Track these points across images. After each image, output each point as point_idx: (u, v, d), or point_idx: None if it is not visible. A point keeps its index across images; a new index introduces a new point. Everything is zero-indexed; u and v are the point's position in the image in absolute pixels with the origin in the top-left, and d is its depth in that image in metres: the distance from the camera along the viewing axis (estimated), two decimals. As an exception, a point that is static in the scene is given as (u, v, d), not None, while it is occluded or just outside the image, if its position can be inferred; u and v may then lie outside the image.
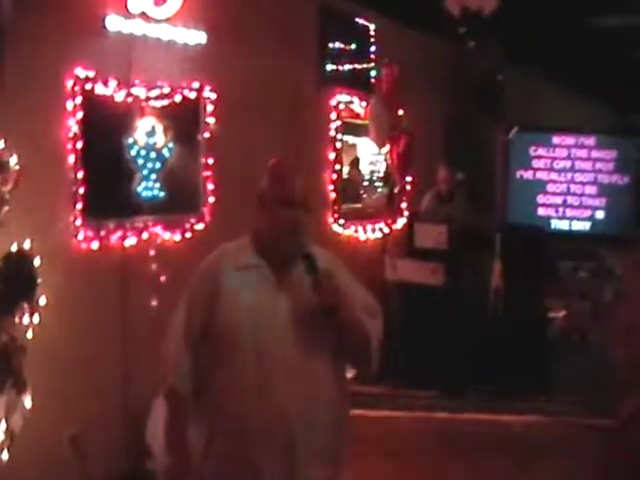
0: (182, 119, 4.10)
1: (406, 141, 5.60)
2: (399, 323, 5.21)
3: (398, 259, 5.41)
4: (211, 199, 4.29)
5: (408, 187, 5.98)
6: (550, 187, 7.15)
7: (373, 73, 5.81)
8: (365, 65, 5.74)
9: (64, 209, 3.50)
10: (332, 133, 5.56)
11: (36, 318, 3.14)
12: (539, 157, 7.13)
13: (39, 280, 3.14)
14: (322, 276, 1.92)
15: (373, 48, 5.81)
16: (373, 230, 5.97)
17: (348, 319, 1.94)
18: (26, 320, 3.11)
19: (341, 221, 5.65)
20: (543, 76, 7.13)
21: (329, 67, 5.43)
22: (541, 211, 7.17)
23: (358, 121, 5.78)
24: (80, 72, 3.54)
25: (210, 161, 4.28)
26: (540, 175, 7.14)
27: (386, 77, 5.44)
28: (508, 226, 6.31)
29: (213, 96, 4.26)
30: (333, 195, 5.57)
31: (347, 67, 5.56)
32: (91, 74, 3.58)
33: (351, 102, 5.69)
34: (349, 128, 5.70)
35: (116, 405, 3.71)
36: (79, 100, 3.54)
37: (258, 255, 2.00)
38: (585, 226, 7.17)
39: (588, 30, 6.14)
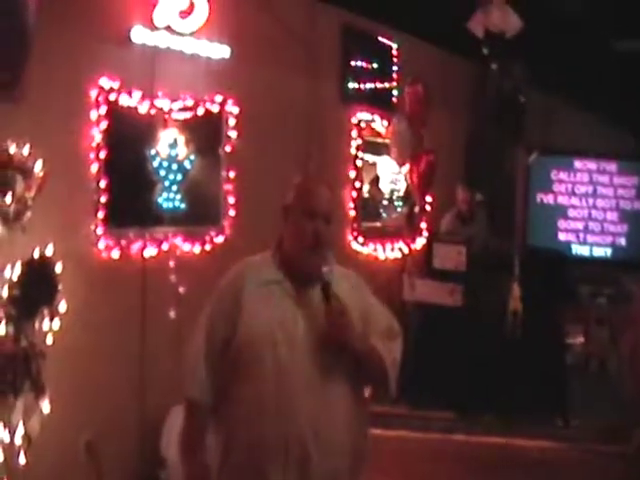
0: (204, 132, 4.14)
1: (428, 160, 5.59)
2: (417, 343, 5.13)
3: (417, 279, 5.42)
4: (231, 212, 4.32)
5: (428, 207, 5.97)
6: (571, 212, 7.11)
7: (395, 92, 5.84)
8: (387, 84, 5.76)
9: (86, 217, 3.54)
10: (353, 151, 5.58)
11: (56, 324, 3.17)
12: (560, 181, 7.09)
13: (60, 286, 3.17)
14: (335, 312, 1.93)
15: (395, 67, 5.84)
16: (392, 249, 5.97)
17: (362, 351, 1.96)
18: (46, 326, 3.14)
19: (360, 239, 5.64)
20: (565, 99, 7.12)
21: (351, 85, 5.46)
22: (562, 236, 7.11)
23: (379, 140, 5.79)
24: (105, 83, 3.60)
25: (231, 174, 4.32)
26: (561, 200, 7.10)
27: (409, 96, 5.45)
28: (528, 249, 6.30)
29: (235, 110, 4.30)
30: (353, 213, 5.57)
31: (369, 85, 5.59)
32: (115, 85, 3.64)
33: (372, 120, 5.71)
34: (370, 146, 5.72)
35: (132, 414, 3.71)
36: (103, 110, 3.60)
37: (280, 270, 2.01)
38: (606, 252, 7.10)
39: (612, 54, 6.14)
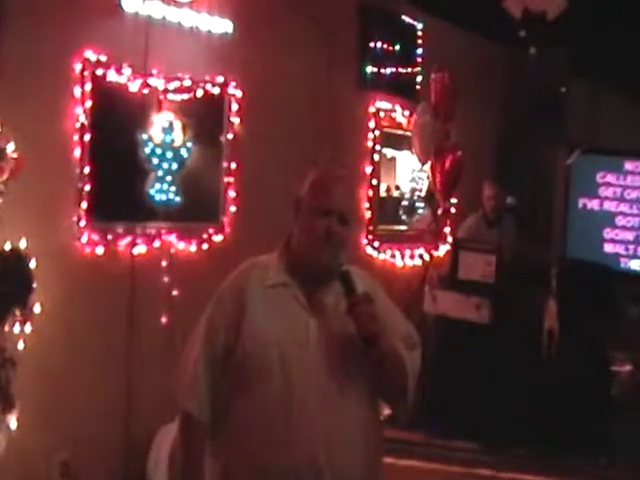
0: (203, 117, 4.14)
1: (453, 157, 5.52)
2: (438, 363, 5.10)
3: (439, 290, 5.34)
4: (232, 208, 4.31)
5: (453, 210, 5.92)
6: (620, 220, 6.96)
7: (419, 79, 5.80)
8: (410, 69, 5.73)
9: (67, 207, 3.52)
10: (369, 144, 5.56)
11: (28, 327, 3.14)
12: (607, 185, 6.94)
13: (34, 285, 3.15)
14: (361, 299, 1.91)
15: (420, 50, 5.81)
16: (412, 256, 5.94)
17: (387, 350, 1.92)
18: (17, 329, 3.12)
19: (376, 244, 5.62)
20: (613, 91, 7.03)
21: (369, 69, 5.44)
22: (608, 247, 6.96)
23: (399, 132, 5.77)
24: (90, 55, 3.58)
25: (233, 165, 4.31)
26: (608, 206, 6.96)
27: (435, 84, 5.40)
28: (567, 261, 6.19)
29: (239, 93, 4.30)
30: (368, 214, 5.55)
31: (389, 71, 5.56)
32: (103, 58, 3.62)
33: (393, 110, 5.69)
34: (389, 139, 5.70)
35: (115, 430, 3.69)
36: (88, 87, 3.58)
37: (288, 272, 2.00)
38: (660, 267, 6.98)
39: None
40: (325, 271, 1.97)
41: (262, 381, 1.90)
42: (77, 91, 3.54)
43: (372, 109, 5.55)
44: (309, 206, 1.98)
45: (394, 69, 5.59)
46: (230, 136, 4.29)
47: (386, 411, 2.11)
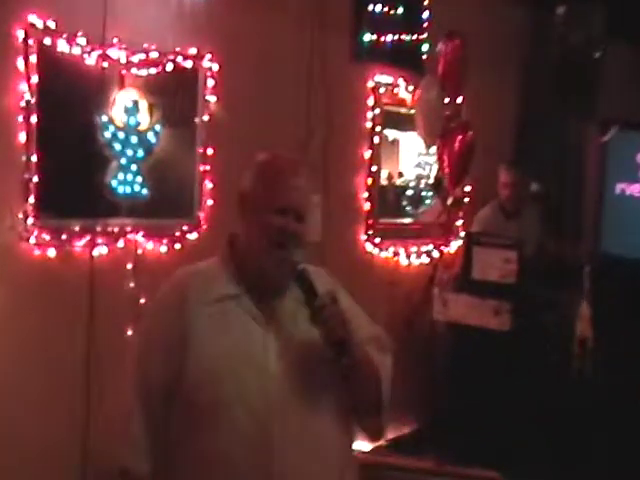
0: (174, 95, 4.12)
1: (465, 138, 5.49)
2: (449, 377, 5.14)
3: (450, 293, 5.34)
4: (209, 202, 4.28)
5: (465, 199, 5.88)
6: (666, 209, 6.88)
7: (425, 47, 5.73)
8: (414, 37, 5.65)
9: (11, 203, 3.47)
10: (368, 124, 5.49)
11: None
12: (650, 167, 6.85)
13: None
14: (325, 302, 1.90)
15: (425, 14, 5.72)
16: (418, 253, 5.88)
17: (359, 357, 1.94)
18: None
19: (377, 239, 5.56)
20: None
21: (367, 37, 5.36)
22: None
23: (403, 110, 5.72)
24: (36, 21, 3.53)
25: (209, 152, 4.29)
26: (651, 191, 6.88)
27: (444, 53, 5.36)
28: (603, 257, 6.16)
29: (215, 67, 4.26)
30: (367, 206, 5.49)
31: (391, 38, 5.48)
32: (51, 25, 3.57)
33: (395, 85, 5.63)
34: (390, 119, 5.64)
35: (72, 465, 3.65)
36: (34, 59, 3.53)
37: (236, 281, 1.98)
38: None
39: None
40: (280, 277, 1.97)
41: (216, 414, 1.87)
42: (20, 64, 3.47)
43: (371, 84, 5.49)
44: (259, 203, 1.96)
45: (396, 37, 5.51)
46: (205, 117, 4.25)
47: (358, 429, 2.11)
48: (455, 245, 5.92)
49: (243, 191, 2.01)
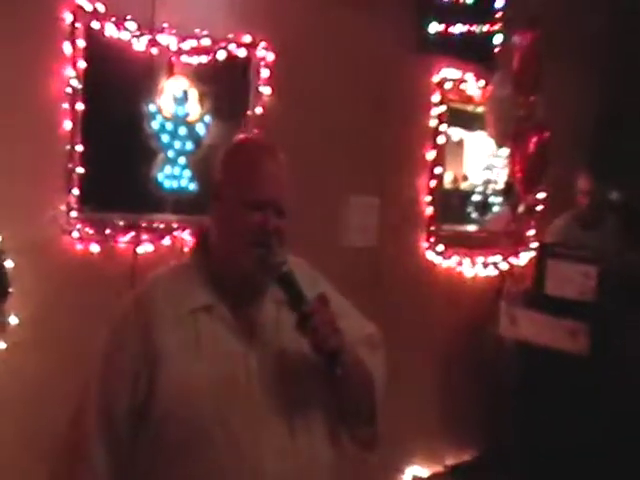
0: (225, 85, 4.17)
1: (540, 140, 5.45)
2: (518, 403, 5.08)
3: (520, 309, 5.28)
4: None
5: (539, 207, 5.82)
6: None
7: (498, 39, 5.69)
8: (486, 27, 5.63)
9: (54, 194, 3.54)
10: (432, 123, 5.50)
11: (2, 343, 3.19)
12: None
13: (10, 289, 3.18)
14: (315, 308, 1.79)
15: (499, 2, 5.69)
16: (484, 264, 5.87)
17: (352, 364, 1.85)
18: (-13, 345, 3.17)
19: (439, 247, 5.56)
20: None
21: (433, 27, 5.36)
22: None
23: (470, 107, 5.73)
24: (84, 3, 3.60)
25: None
26: None
27: (519, 45, 5.32)
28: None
29: (270, 56, 4.31)
30: (429, 211, 5.50)
31: (459, 28, 5.48)
32: (100, 7, 3.65)
33: (462, 80, 5.64)
34: (457, 117, 5.65)
35: None
36: (82, 44, 3.61)
37: (209, 288, 1.88)
38: None
39: None
40: (261, 280, 1.88)
41: (194, 451, 1.77)
42: (67, 48, 3.55)
43: (436, 78, 5.50)
44: (232, 197, 1.87)
45: (465, 27, 5.51)
46: (259, 110, 4.29)
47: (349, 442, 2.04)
48: (526, 257, 5.83)
49: (216, 182, 1.92)
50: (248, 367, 1.82)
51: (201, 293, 1.86)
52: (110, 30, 3.68)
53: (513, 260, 5.77)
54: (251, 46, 4.21)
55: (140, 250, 3.81)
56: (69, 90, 3.56)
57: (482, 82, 5.65)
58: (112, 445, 1.80)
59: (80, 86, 3.58)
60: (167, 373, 1.78)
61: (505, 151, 5.63)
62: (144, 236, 3.82)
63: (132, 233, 3.79)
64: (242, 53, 4.19)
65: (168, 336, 1.80)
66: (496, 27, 5.66)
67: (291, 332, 1.81)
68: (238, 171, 1.89)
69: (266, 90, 4.30)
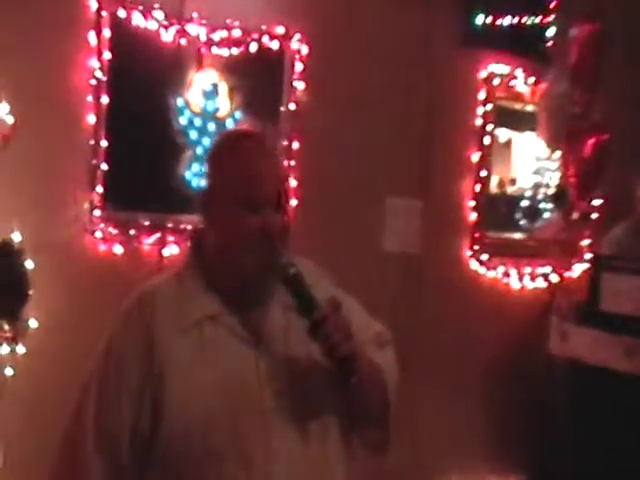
0: (257, 79, 4.21)
1: (597, 142, 5.47)
2: (566, 424, 5.07)
3: (572, 325, 5.27)
4: (293, 202, 4.35)
5: (594, 215, 5.82)
6: None
7: (551, 32, 5.64)
8: (539, 18, 5.59)
9: (76, 191, 3.59)
10: (478, 122, 5.50)
11: (21, 348, 3.21)
12: None
13: (30, 292, 3.22)
14: (328, 313, 1.78)
15: (553, -8, 5.76)
16: (533, 276, 5.82)
17: (366, 370, 1.85)
18: (5, 349, 3.19)
19: (483, 256, 5.54)
20: None
21: (480, 19, 5.36)
22: None
23: (519, 106, 5.70)
24: None
25: (295, 145, 4.36)
26: None
27: (576, 39, 5.32)
28: None
29: (305, 49, 4.35)
30: (473, 216, 5.50)
31: (509, 20, 5.46)
32: None
33: (512, 75, 5.61)
34: (504, 116, 5.62)
35: None
36: (107, 32, 3.67)
37: (211, 296, 1.87)
38: None
39: None
40: (264, 283, 1.87)
41: (208, 463, 1.78)
42: (92, 38, 3.62)
43: (483, 74, 5.48)
44: (227, 199, 1.84)
45: (516, 18, 5.49)
46: (292, 106, 4.33)
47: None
48: (579, 269, 5.83)
49: (205, 189, 1.91)
50: (259, 376, 1.83)
51: (203, 302, 1.86)
52: (137, 19, 3.74)
53: (565, 272, 5.77)
54: (285, 38, 4.25)
55: (166, 252, 3.84)
56: (93, 82, 3.62)
57: (532, 78, 5.61)
58: (113, 470, 1.81)
59: (105, 78, 3.64)
60: (174, 391, 1.78)
61: (558, 153, 5.62)
62: (170, 237, 3.85)
63: (158, 234, 3.82)
64: (275, 45, 4.23)
65: (173, 351, 1.80)
66: (550, 18, 5.59)
67: (300, 336, 1.82)
68: (228, 171, 1.86)
69: (300, 85, 4.34)
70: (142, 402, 1.79)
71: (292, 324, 1.87)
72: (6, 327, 3.15)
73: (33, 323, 3.23)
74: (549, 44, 5.64)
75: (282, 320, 1.89)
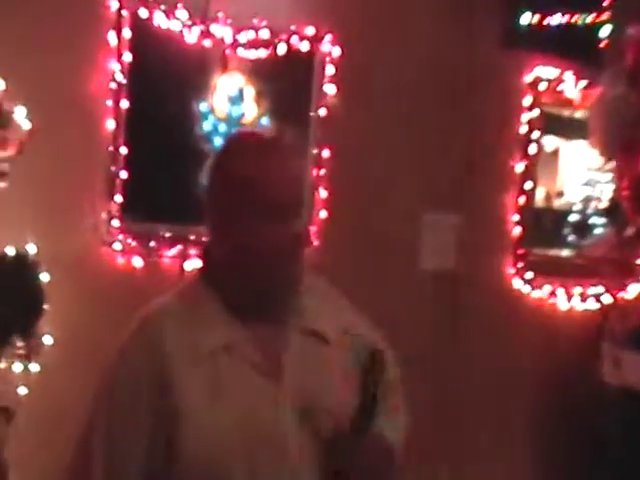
0: (286, 83, 4.23)
1: (655, 151, 5.44)
2: (621, 458, 5.04)
3: (626, 351, 5.26)
4: (323, 213, 4.37)
5: (651, 230, 5.80)
6: None
7: (605, 31, 5.66)
8: (590, 17, 5.59)
9: (94, 201, 3.63)
10: (523, 129, 5.51)
11: (34, 365, 3.23)
12: None
13: (45, 306, 3.25)
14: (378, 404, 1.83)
15: (607, -11, 5.74)
16: (583, 296, 5.81)
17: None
18: (18, 367, 3.22)
19: (528, 275, 5.54)
20: None
21: (525, 18, 5.37)
22: None
23: (568, 112, 5.70)
24: None
25: (326, 153, 4.38)
26: None
27: (632, 41, 5.22)
28: None
29: (336, 51, 4.36)
30: (517, 231, 5.50)
31: (558, 19, 5.47)
32: None
33: (559, 80, 5.62)
34: (552, 123, 5.63)
35: None
36: (127, 33, 3.71)
37: (224, 322, 1.85)
38: None
39: None
40: (284, 302, 1.87)
41: None
42: (112, 38, 3.66)
43: (528, 78, 5.50)
44: (242, 209, 1.79)
45: (565, 17, 5.48)
46: (323, 111, 4.36)
47: None
48: (634, 290, 5.77)
49: (212, 198, 1.87)
50: (277, 412, 1.82)
51: (216, 328, 1.83)
52: (159, 19, 3.78)
53: (618, 293, 5.73)
54: (315, 39, 4.27)
55: (187, 266, 3.85)
56: (113, 85, 3.67)
57: (583, 82, 5.61)
58: None
59: (125, 81, 3.69)
60: (189, 429, 1.76)
61: (611, 163, 5.60)
62: (192, 250, 3.84)
63: (179, 246, 3.85)
64: (305, 47, 4.26)
65: (185, 386, 1.78)
66: (603, 17, 5.59)
67: (320, 365, 1.87)
68: (242, 178, 1.79)
69: (331, 89, 4.36)
70: (155, 441, 1.79)
71: (312, 353, 1.89)
72: (19, 344, 3.16)
73: (48, 339, 3.26)
74: (602, 45, 5.64)
75: (297, 344, 1.89)
